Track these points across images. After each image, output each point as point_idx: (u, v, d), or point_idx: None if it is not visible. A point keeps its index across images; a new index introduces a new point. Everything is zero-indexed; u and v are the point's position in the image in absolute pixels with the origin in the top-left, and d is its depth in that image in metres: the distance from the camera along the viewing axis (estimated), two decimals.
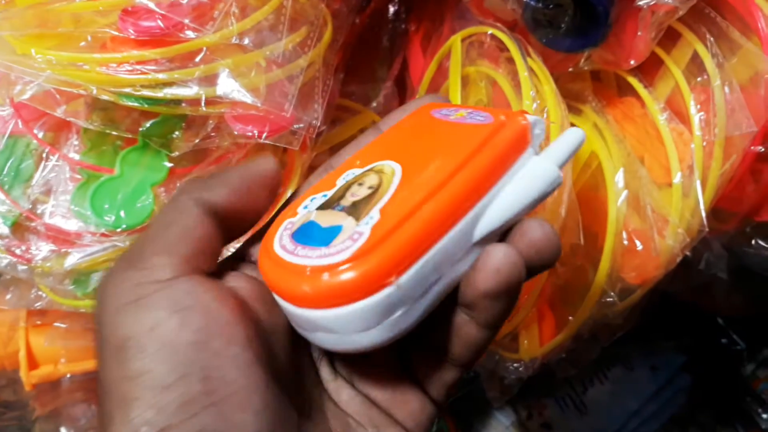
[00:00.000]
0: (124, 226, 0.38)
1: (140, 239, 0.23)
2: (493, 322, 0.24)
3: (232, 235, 0.25)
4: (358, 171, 0.25)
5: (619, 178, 0.41)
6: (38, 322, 0.49)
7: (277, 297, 0.23)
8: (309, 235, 0.23)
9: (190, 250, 0.22)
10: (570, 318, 0.43)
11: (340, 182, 0.25)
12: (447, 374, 0.26)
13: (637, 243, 0.40)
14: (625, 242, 0.41)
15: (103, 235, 0.39)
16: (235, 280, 0.24)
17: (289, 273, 0.21)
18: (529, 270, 0.23)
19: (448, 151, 0.25)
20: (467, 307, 0.24)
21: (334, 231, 0.22)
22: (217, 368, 0.20)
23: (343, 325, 0.21)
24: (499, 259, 0.22)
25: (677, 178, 0.39)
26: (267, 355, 0.22)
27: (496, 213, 0.24)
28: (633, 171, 0.42)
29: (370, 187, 0.24)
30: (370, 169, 0.25)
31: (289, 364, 0.24)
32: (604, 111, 0.45)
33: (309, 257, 0.21)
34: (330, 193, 0.25)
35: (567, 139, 0.27)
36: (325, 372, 0.27)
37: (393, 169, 0.24)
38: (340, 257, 0.21)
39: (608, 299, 0.41)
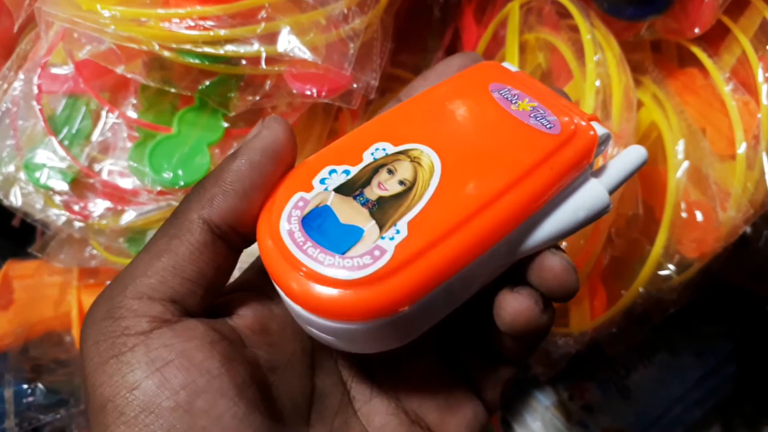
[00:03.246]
0: (181, 183, 0.39)
1: (130, 267, 0.21)
2: (531, 342, 0.24)
3: (246, 244, 0.22)
4: (390, 148, 0.22)
5: (680, 149, 0.40)
6: (90, 281, 0.50)
7: (275, 284, 0.20)
8: (323, 227, 0.20)
9: (178, 291, 0.20)
10: (623, 292, 0.43)
11: (367, 158, 0.22)
12: (502, 372, 0.25)
13: (698, 214, 0.39)
14: (684, 214, 0.40)
15: (159, 193, 0.40)
16: (235, 310, 0.22)
17: (294, 269, 0.19)
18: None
19: (500, 158, 0.22)
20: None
21: (353, 235, 0.20)
22: (203, 430, 0.18)
23: (343, 336, 0.20)
24: (512, 313, 0.21)
25: (742, 149, 0.38)
26: (266, 396, 0.21)
27: (537, 239, 0.22)
28: (694, 142, 0.41)
29: (401, 182, 0.21)
30: (405, 152, 0.22)
31: (301, 395, 0.23)
32: (665, 82, 0.44)
33: (319, 262, 0.19)
34: (354, 171, 0.21)
35: (628, 159, 0.24)
36: (359, 392, 0.24)
37: (431, 162, 0.21)
38: (354, 274, 0.19)
39: (664, 272, 0.40)
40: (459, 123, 0.23)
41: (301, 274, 0.19)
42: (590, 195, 0.23)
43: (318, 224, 0.20)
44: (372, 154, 0.22)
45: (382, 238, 0.20)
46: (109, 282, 0.48)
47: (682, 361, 0.66)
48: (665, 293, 0.42)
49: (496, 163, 0.22)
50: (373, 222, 0.20)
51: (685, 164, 0.40)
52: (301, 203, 0.20)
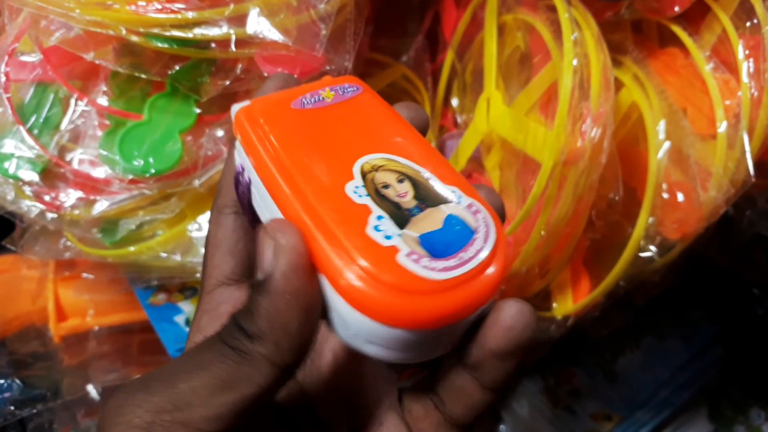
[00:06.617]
0: (152, 171, 0.38)
1: (189, 388, 0.20)
2: (499, 383, 0.22)
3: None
4: (356, 182, 0.22)
5: (661, 129, 0.40)
6: (66, 274, 0.49)
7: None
8: (444, 241, 0.20)
9: (227, 426, 0.20)
10: (605, 275, 0.42)
11: (365, 200, 0.21)
12: None
13: (679, 195, 0.38)
14: (666, 195, 0.39)
15: (131, 181, 0.39)
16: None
17: (458, 285, 0.19)
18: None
19: (389, 123, 0.24)
20: (472, 368, 0.22)
21: (455, 221, 0.21)
22: None
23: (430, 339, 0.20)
24: (513, 315, 0.20)
25: (722, 127, 0.38)
26: None
27: None
28: (675, 122, 0.40)
29: (400, 180, 0.22)
30: (366, 173, 0.22)
31: None
32: (645, 62, 0.43)
33: (480, 250, 0.20)
34: (381, 212, 0.21)
35: None
36: None
37: (383, 157, 0.22)
38: (491, 242, 0.20)
39: (647, 254, 0.40)
40: (331, 134, 0.24)
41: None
42: None
43: (441, 246, 0.20)
44: (360, 196, 0.21)
45: (459, 202, 0.21)
46: (85, 274, 0.47)
47: (668, 345, 0.66)
48: (648, 275, 0.42)
49: (387, 123, 0.24)
50: (441, 205, 0.21)
51: (666, 145, 0.39)
52: (414, 255, 0.20)
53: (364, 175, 0.22)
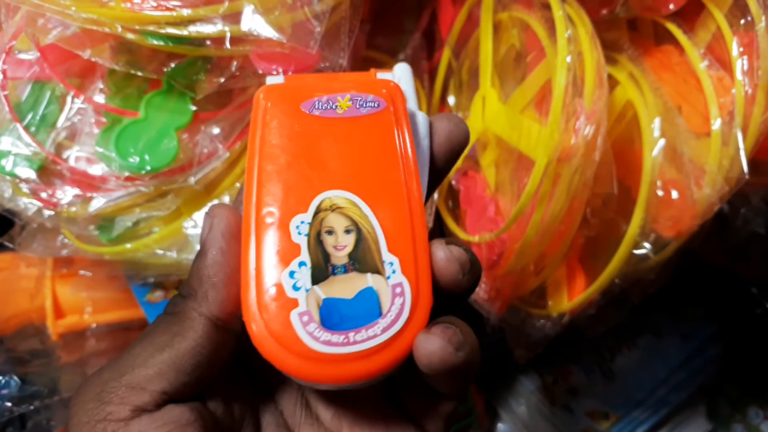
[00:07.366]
0: (148, 168, 0.38)
1: (130, 355, 0.22)
2: (459, 379, 0.22)
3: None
4: (305, 216, 0.22)
5: (655, 126, 0.40)
6: (64, 271, 0.49)
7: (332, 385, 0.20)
8: (343, 315, 0.20)
9: (172, 383, 0.21)
10: (600, 273, 0.42)
11: (300, 239, 0.21)
12: (442, 407, 0.24)
13: (673, 192, 0.39)
14: (660, 192, 0.39)
15: (127, 179, 0.39)
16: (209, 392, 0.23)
17: (350, 359, 0.20)
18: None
19: (379, 151, 0.23)
20: None
21: (370, 297, 0.20)
22: None
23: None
24: (426, 354, 0.20)
25: (716, 125, 0.38)
26: None
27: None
28: (670, 120, 0.40)
29: (348, 231, 0.21)
30: (320, 210, 0.22)
31: None
32: (641, 60, 0.43)
33: (369, 338, 0.20)
34: (307, 258, 0.21)
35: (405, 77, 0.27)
36: (304, 428, 0.25)
37: (345, 198, 0.22)
38: (399, 323, 0.20)
39: (641, 252, 0.40)
40: (319, 151, 0.23)
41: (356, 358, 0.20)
42: (424, 122, 0.25)
43: (337, 318, 0.20)
44: (299, 233, 0.21)
45: (388, 277, 0.20)
46: (83, 271, 0.47)
47: (666, 343, 0.66)
48: (643, 273, 0.42)
49: (382, 158, 0.23)
50: (369, 274, 0.21)
51: (661, 142, 0.40)
52: (305, 317, 0.20)
53: (317, 211, 0.22)
